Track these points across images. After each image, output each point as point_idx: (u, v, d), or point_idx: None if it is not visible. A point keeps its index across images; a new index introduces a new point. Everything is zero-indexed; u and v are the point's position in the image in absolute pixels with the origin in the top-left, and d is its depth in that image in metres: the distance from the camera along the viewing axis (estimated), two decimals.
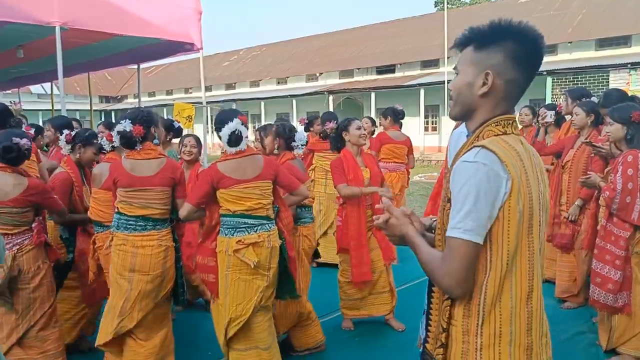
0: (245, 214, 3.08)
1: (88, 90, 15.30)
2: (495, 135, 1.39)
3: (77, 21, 7.21)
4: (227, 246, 3.06)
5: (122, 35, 7.93)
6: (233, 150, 3.11)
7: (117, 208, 3.16)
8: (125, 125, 3.12)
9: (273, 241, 3.16)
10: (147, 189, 3.11)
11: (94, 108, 18.08)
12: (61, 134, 3.75)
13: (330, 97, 25.67)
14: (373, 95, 24.10)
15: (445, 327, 1.41)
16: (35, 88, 24.97)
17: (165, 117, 5.32)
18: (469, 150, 1.37)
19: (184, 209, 3.09)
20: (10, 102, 5.39)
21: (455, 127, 3.17)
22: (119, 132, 3.14)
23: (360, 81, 26.75)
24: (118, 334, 3.14)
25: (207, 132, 15.12)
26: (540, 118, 5.33)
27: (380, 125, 6.66)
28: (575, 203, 4.42)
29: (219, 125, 3.15)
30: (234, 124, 3.08)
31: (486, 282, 1.34)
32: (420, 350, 1.54)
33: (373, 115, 23.38)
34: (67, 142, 3.68)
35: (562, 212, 4.58)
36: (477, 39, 1.43)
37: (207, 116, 12.83)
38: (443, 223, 1.41)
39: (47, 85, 16.49)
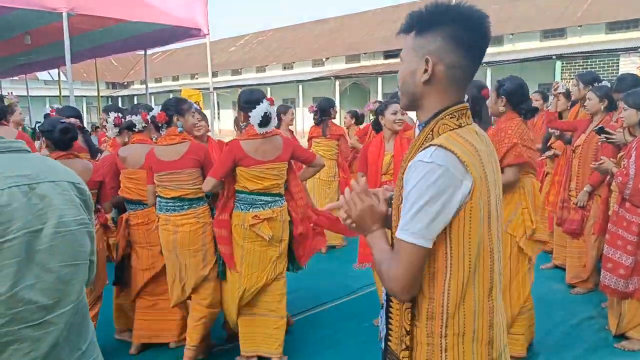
0: (261, 191, 3.28)
1: (95, 76, 15.34)
2: (450, 130, 1.31)
3: (84, 7, 7.18)
4: (244, 220, 3.27)
5: (128, 21, 7.90)
6: (262, 130, 3.23)
7: (158, 192, 3.40)
8: (155, 111, 3.45)
9: (285, 216, 3.41)
10: (175, 172, 3.31)
11: (100, 94, 18.12)
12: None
13: (337, 82, 25.55)
14: (380, 80, 23.97)
15: (408, 329, 1.36)
16: (42, 74, 25.01)
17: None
18: (424, 148, 1.29)
19: (207, 183, 3.24)
20: (9, 93, 5.41)
21: None
22: (151, 117, 3.48)
23: (366, 66, 26.59)
24: (185, 297, 3.45)
25: (214, 118, 15.15)
26: (552, 90, 5.34)
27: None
28: (584, 189, 4.40)
29: (247, 105, 3.27)
30: (265, 106, 3.22)
31: (448, 284, 1.29)
32: (382, 346, 1.49)
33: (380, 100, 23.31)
34: (116, 125, 3.72)
35: (571, 197, 4.56)
36: (417, 24, 1.36)
37: (213, 102, 12.81)
38: (397, 222, 1.34)
39: (54, 71, 16.52)
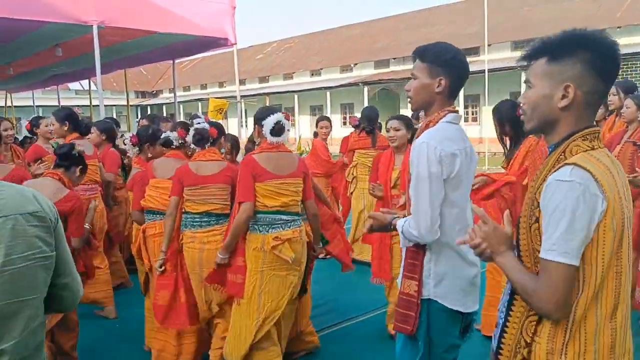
0: (280, 210, 3.17)
1: (124, 86, 15.71)
2: (584, 152, 1.39)
3: (114, 19, 7.41)
4: (263, 243, 3.13)
5: (157, 33, 8.10)
6: (274, 140, 3.18)
7: (184, 207, 3.40)
8: (204, 125, 3.47)
9: (304, 236, 3.30)
10: (207, 186, 3.35)
11: (130, 103, 18.56)
12: (105, 136, 3.89)
13: (366, 89, 25.54)
14: None
15: (528, 341, 1.42)
16: (73, 84, 25.75)
17: (200, 112, 5.46)
18: (559, 167, 1.36)
19: (244, 211, 3.09)
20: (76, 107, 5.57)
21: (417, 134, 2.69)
22: (196, 129, 3.45)
23: (396, 71, 26.51)
24: (212, 315, 3.48)
25: (242, 126, 15.34)
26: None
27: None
28: None
29: (261, 116, 3.24)
30: (279, 115, 3.21)
31: (577, 303, 1.35)
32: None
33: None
34: (134, 145, 3.83)
35: None
36: (551, 50, 1.44)
37: (241, 110, 12.96)
38: (529, 241, 1.42)
39: (84, 81, 16.99)
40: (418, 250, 2.06)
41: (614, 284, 1.37)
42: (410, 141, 4.11)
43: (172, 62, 12.04)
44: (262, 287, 3.15)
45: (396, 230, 2.13)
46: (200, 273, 3.36)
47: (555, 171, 1.37)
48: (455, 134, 2.06)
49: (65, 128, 4.55)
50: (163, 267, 3.42)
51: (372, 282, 4.08)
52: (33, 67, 11.78)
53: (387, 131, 4.03)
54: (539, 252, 1.38)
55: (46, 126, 5.18)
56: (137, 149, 3.89)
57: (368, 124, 5.85)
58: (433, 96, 2.08)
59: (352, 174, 5.89)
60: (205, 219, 3.37)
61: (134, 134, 3.90)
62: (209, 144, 3.48)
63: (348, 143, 6.20)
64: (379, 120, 6.04)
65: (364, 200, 5.80)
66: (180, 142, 3.69)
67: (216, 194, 3.37)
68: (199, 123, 3.47)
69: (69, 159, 3.34)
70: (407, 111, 19.53)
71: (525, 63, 1.49)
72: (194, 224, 3.37)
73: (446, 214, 2.00)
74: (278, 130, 3.18)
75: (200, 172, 3.37)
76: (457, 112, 2.11)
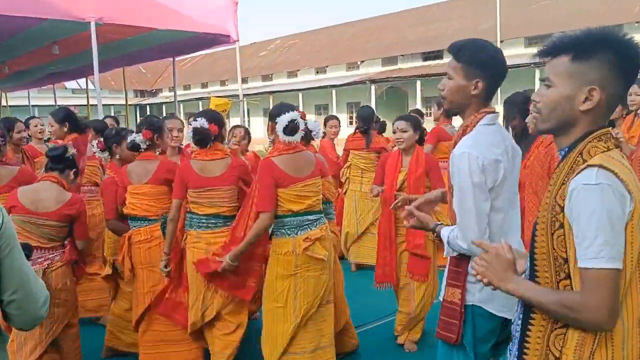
0: (306, 210, 3.22)
1: (123, 85, 15.77)
2: (602, 152, 1.39)
3: (112, 16, 7.42)
4: (294, 246, 3.16)
5: (157, 30, 8.11)
6: (287, 139, 3.17)
7: (189, 207, 3.39)
8: (202, 123, 3.34)
9: (330, 233, 3.38)
10: (214, 189, 3.33)
11: (129, 102, 18.64)
12: (102, 137, 3.90)
13: (373, 87, 25.54)
14: (419, 83, 23.85)
15: (557, 355, 1.41)
16: (70, 83, 25.86)
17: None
18: (581, 170, 1.35)
19: (262, 221, 3.11)
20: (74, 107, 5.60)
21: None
22: (194, 129, 3.35)
23: (404, 69, 26.51)
24: (203, 323, 3.40)
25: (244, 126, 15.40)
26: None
27: (428, 115, 6.54)
28: None
29: (275, 113, 3.23)
30: (293, 114, 3.19)
31: None
32: None
33: (419, 105, 23.14)
34: (102, 150, 3.83)
35: None
36: (575, 49, 1.42)
37: (243, 109, 12.98)
38: (550, 249, 1.40)
39: (81, 80, 17.06)
40: (462, 257, 2.06)
41: (639, 289, 1.36)
42: (419, 142, 4.10)
43: (172, 59, 12.06)
44: (297, 289, 3.18)
45: (439, 238, 2.13)
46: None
47: (577, 175, 1.35)
48: (494, 136, 2.04)
49: (65, 129, 4.54)
50: (169, 268, 3.44)
51: (374, 287, 4.09)
52: (29, 65, 11.82)
53: (394, 132, 4.00)
54: (564, 259, 1.37)
55: (35, 126, 5.20)
56: (107, 153, 3.89)
57: (363, 124, 5.86)
58: (469, 98, 2.06)
59: (346, 175, 5.93)
60: (213, 221, 3.36)
61: (100, 139, 3.90)
62: (211, 142, 3.39)
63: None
64: (374, 121, 6.00)
65: (354, 202, 5.82)
66: (147, 144, 3.61)
67: (224, 196, 3.36)
68: (195, 120, 3.37)
69: (62, 162, 3.32)
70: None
71: (545, 58, 1.47)
72: (201, 225, 3.36)
73: (491, 220, 2.00)
74: (292, 129, 3.16)
75: (205, 173, 3.34)
76: (494, 112, 2.10)
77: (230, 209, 3.38)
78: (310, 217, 3.22)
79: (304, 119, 3.29)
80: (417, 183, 3.92)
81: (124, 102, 17.39)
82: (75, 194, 3.34)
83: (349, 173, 5.91)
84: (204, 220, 3.35)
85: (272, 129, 3.28)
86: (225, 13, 8.60)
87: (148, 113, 37.20)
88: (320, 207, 3.32)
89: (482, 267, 1.51)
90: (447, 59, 2.17)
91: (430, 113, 6.18)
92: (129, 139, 3.68)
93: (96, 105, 7.91)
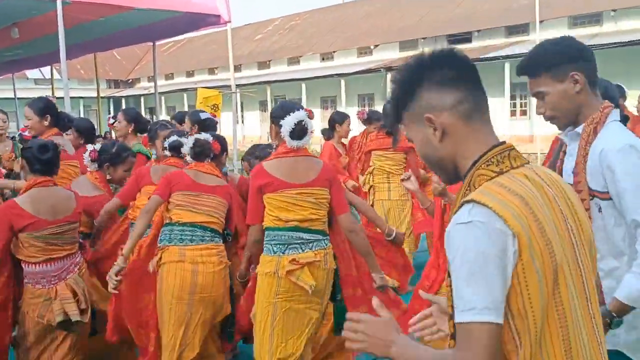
0: (299, 226, 3.17)
1: (94, 74, 15.86)
2: (489, 180, 1.38)
3: None
4: (277, 266, 3.12)
5: (134, 9, 8.16)
6: (294, 144, 3.20)
7: (170, 218, 3.40)
8: (207, 137, 3.60)
9: (330, 262, 3.28)
10: (207, 195, 3.46)
11: (101, 94, 18.71)
12: (84, 138, 3.98)
13: (389, 76, 25.53)
14: None
15: None
16: (33, 72, 26.01)
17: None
18: (459, 207, 1.35)
19: (249, 235, 3.28)
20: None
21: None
22: (197, 140, 3.58)
23: None
24: None
25: (237, 122, 15.33)
26: None
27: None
28: None
29: (280, 113, 3.24)
30: (301, 114, 3.22)
31: None
32: None
33: None
34: (92, 161, 3.90)
35: None
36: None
37: (236, 102, 12.97)
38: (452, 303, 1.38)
39: (46, 69, 17.18)
40: None
41: (559, 336, 1.33)
42: None
43: (152, 44, 12.13)
44: (275, 323, 3.13)
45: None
46: (191, 301, 3.30)
47: (456, 212, 1.35)
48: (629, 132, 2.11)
49: (46, 123, 4.52)
50: (119, 277, 3.29)
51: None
52: None
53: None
54: (450, 315, 1.35)
55: None
56: (96, 165, 3.97)
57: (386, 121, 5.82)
58: (575, 99, 2.11)
59: (369, 182, 5.91)
60: (199, 233, 3.37)
61: (95, 148, 3.97)
62: (208, 159, 3.59)
63: (355, 144, 6.22)
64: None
65: (384, 213, 5.77)
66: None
67: (215, 206, 3.44)
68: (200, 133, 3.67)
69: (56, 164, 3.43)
70: None
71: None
72: (183, 237, 3.35)
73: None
74: (300, 132, 3.20)
75: (200, 180, 3.48)
76: (613, 106, 2.15)
77: (219, 223, 3.44)
78: (304, 235, 3.17)
79: (312, 118, 3.32)
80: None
81: (95, 95, 17.46)
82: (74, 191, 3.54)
83: (373, 180, 5.90)
84: (187, 232, 3.35)
85: (275, 133, 3.29)
86: None
87: (123, 106, 37.31)
88: (322, 227, 3.26)
89: (361, 339, 1.47)
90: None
91: None
92: (171, 139, 3.85)
93: (63, 97, 7.95)
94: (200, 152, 3.55)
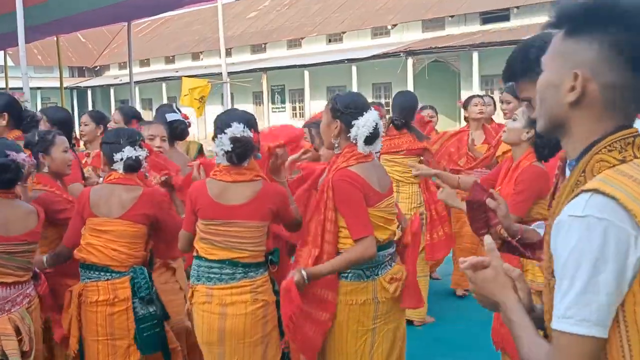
0: (388, 242, 3.33)
1: (56, 60, 15.91)
2: (610, 167, 1.38)
3: None
4: (375, 291, 3.25)
5: None
6: (368, 150, 3.23)
7: (196, 250, 3.35)
8: (241, 129, 3.23)
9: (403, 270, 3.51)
10: (233, 222, 3.27)
11: (64, 84, 18.76)
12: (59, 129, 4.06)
13: (410, 61, 25.60)
14: (476, 55, 23.89)
15: None
16: None
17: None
18: (574, 196, 1.36)
19: (367, 249, 3.14)
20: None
21: None
22: (234, 138, 3.22)
23: (455, 35, 26.55)
24: None
25: None
26: None
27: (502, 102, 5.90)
28: None
29: (348, 112, 3.21)
30: (374, 115, 3.23)
31: None
32: None
33: (476, 86, 23.10)
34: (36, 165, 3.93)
35: None
36: (567, 21, 1.47)
37: (227, 93, 12.94)
38: (550, 305, 1.41)
39: None
40: None
41: None
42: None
43: (126, 25, 12.18)
44: (374, 349, 3.27)
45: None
46: (222, 349, 3.27)
47: (568, 202, 1.38)
48: None
49: (4, 122, 4.45)
50: None
51: None
52: None
53: (432, 118, 4.07)
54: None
55: None
56: (36, 165, 3.97)
57: (400, 116, 5.62)
58: None
59: None
60: (228, 271, 3.28)
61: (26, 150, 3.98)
62: (248, 160, 3.32)
63: None
64: (416, 112, 5.89)
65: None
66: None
67: (246, 236, 3.28)
68: (230, 126, 3.24)
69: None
70: (469, 92, 19.45)
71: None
72: (211, 276, 3.29)
73: None
74: (374, 137, 3.23)
75: (223, 200, 3.28)
76: None
77: (253, 255, 3.32)
78: (390, 250, 3.34)
79: (382, 118, 3.41)
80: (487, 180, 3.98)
81: (57, 84, 17.51)
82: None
83: None
84: (215, 269, 3.28)
85: (339, 132, 3.26)
86: None
87: (90, 98, 37.40)
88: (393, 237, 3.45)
89: (475, 283, 1.59)
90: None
91: (491, 97, 6.02)
92: (120, 156, 3.55)
93: (20, 88, 7.99)
94: (242, 152, 3.25)
